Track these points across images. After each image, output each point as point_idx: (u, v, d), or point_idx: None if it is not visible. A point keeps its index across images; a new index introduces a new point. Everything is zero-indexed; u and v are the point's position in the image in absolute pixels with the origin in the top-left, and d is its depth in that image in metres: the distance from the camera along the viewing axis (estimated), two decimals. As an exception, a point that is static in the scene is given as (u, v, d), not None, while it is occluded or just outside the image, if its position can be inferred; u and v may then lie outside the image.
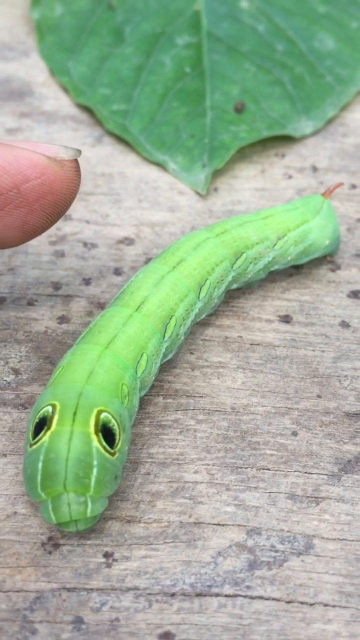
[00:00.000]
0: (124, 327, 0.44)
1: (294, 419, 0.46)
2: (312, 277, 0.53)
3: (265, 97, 0.61)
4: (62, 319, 0.50)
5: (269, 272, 0.52)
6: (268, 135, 0.59)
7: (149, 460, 0.44)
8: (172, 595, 0.40)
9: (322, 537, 0.42)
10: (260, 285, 0.52)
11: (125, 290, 0.46)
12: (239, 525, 0.42)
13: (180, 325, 0.46)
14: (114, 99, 0.61)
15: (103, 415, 0.40)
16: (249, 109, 0.60)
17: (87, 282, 0.52)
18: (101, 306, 0.51)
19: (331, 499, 0.43)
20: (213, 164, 0.57)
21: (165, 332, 0.45)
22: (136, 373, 0.43)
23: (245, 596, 0.40)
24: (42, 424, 0.40)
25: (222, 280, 0.48)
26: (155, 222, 0.55)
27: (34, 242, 0.54)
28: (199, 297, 0.47)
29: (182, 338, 0.47)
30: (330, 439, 0.46)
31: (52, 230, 0.55)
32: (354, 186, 0.58)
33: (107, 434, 0.40)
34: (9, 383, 0.47)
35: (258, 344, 0.50)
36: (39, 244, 0.54)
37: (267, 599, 0.40)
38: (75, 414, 0.40)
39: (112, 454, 0.40)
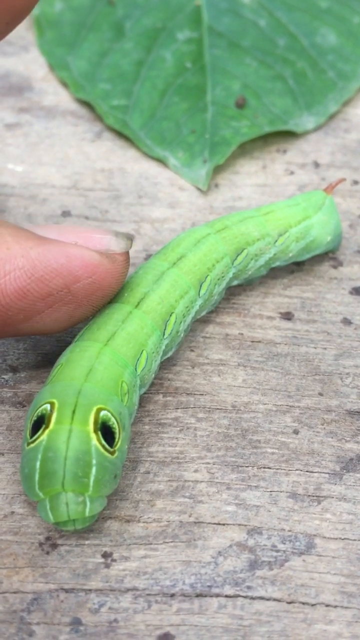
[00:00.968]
0: (124, 324, 0.43)
1: (296, 417, 0.46)
2: (314, 274, 0.53)
3: (267, 93, 0.60)
4: (61, 316, 0.50)
5: (270, 269, 0.51)
6: (269, 131, 0.58)
7: (148, 459, 0.44)
8: (172, 595, 0.40)
9: (324, 536, 0.42)
10: (261, 281, 0.52)
11: (124, 287, 0.45)
12: (239, 524, 0.42)
13: (181, 322, 0.46)
14: (114, 94, 0.60)
15: (102, 413, 0.40)
16: (250, 105, 0.60)
17: (86, 278, 0.52)
18: (100, 303, 0.50)
19: (333, 497, 0.43)
20: (214, 160, 0.57)
21: (165, 329, 0.45)
22: (136, 370, 0.43)
23: (245, 597, 0.40)
24: (40, 422, 0.40)
25: (223, 276, 0.48)
26: (155, 218, 0.55)
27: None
28: (199, 294, 0.47)
29: (182, 335, 0.46)
30: (332, 437, 0.45)
31: (51, 226, 0.54)
32: (356, 182, 0.57)
33: (106, 432, 0.39)
34: (6, 381, 0.47)
35: (259, 341, 0.49)
36: (38, 240, 0.53)
37: (268, 600, 0.40)
38: (74, 412, 0.39)
39: (112, 453, 0.39)
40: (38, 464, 0.39)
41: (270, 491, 0.43)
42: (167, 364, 0.48)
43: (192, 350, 0.49)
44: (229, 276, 0.48)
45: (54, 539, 0.41)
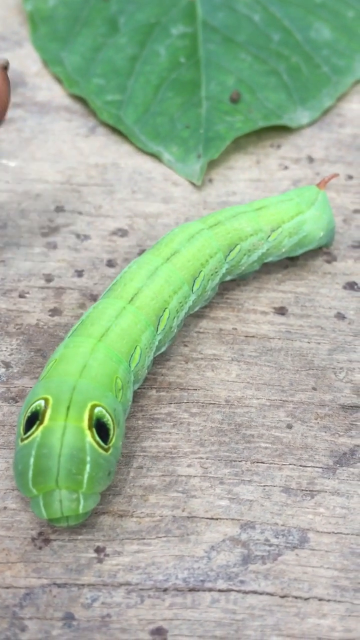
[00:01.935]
0: (117, 319, 0.43)
1: (289, 412, 0.46)
2: (308, 269, 0.52)
3: (261, 87, 0.60)
4: (54, 312, 0.50)
5: (263, 264, 0.51)
6: (264, 126, 0.58)
7: (141, 453, 0.44)
8: (165, 590, 0.40)
9: (317, 530, 0.42)
10: (255, 276, 0.52)
11: (118, 282, 0.45)
12: (232, 519, 0.42)
13: (174, 318, 0.45)
14: (108, 89, 0.60)
15: (97, 409, 0.40)
16: (245, 99, 0.59)
17: (79, 274, 0.51)
18: (94, 298, 0.50)
19: (326, 492, 0.43)
20: (208, 155, 0.57)
21: (158, 324, 0.45)
22: (130, 366, 0.43)
23: (238, 591, 0.40)
24: (34, 418, 0.39)
25: (216, 272, 0.48)
26: (149, 213, 0.55)
27: (25, 233, 0.53)
28: (192, 290, 0.46)
29: (176, 330, 0.46)
30: (326, 432, 0.45)
31: (44, 222, 0.54)
32: (350, 177, 0.57)
33: (101, 429, 0.39)
34: None
35: (253, 336, 0.49)
36: (31, 235, 0.53)
37: (261, 594, 0.40)
38: (68, 408, 0.39)
39: (106, 450, 0.39)
40: (32, 460, 0.38)
41: (264, 486, 0.43)
42: (160, 359, 0.48)
43: (185, 346, 0.48)
44: (222, 272, 0.48)
45: (46, 534, 0.41)
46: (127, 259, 0.52)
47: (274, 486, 0.43)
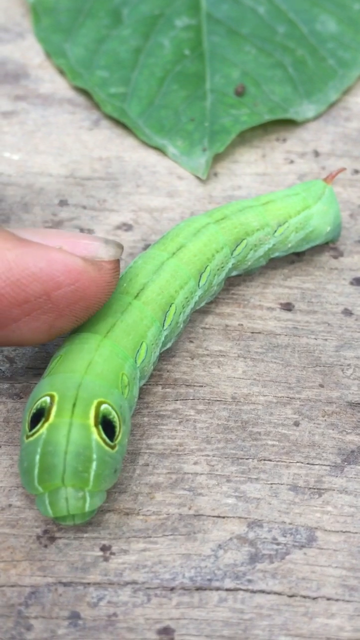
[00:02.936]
0: (123, 315, 0.43)
1: (296, 409, 0.45)
2: (314, 264, 0.52)
3: (267, 80, 0.60)
4: (59, 307, 0.49)
5: (269, 259, 0.51)
6: (270, 119, 0.58)
7: (147, 451, 0.43)
8: (172, 589, 0.39)
9: (325, 529, 0.41)
10: (261, 272, 0.51)
11: (123, 277, 0.45)
12: (239, 517, 0.41)
13: (180, 313, 0.45)
14: (111, 81, 0.60)
15: (103, 406, 0.39)
16: (250, 92, 0.59)
17: (84, 268, 0.51)
18: (98, 293, 0.50)
19: (334, 490, 0.42)
20: (214, 148, 0.56)
21: (164, 320, 0.44)
22: (136, 362, 0.42)
23: (246, 590, 0.39)
24: (39, 415, 0.39)
25: (222, 267, 0.47)
26: (153, 207, 0.54)
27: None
28: (199, 285, 0.46)
29: (182, 326, 0.46)
30: (333, 429, 0.45)
31: (48, 216, 0.53)
32: (356, 171, 0.57)
33: (107, 426, 0.39)
34: (3, 372, 0.46)
35: (259, 332, 0.49)
36: (35, 229, 0.53)
37: (268, 593, 0.39)
38: (74, 405, 0.39)
39: (112, 447, 0.39)
40: (37, 457, 0.38)
41: (271, 484, 0.43)
42: (166, 355, 0.47)
43: (191, 342, 0.48)
44: (229, 267, 0.48)
45: (51, 532, 0.41)
46: (132, 253, 0.52)
47: (282, 484, 0.43)
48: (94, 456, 0.38)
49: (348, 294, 0.51)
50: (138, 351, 0.42)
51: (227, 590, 0.39)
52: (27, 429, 0.39)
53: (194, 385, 0.46)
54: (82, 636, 0.38)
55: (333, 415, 0.45)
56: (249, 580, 0.40)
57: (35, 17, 0.63)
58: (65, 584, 0.39)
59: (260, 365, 0.47)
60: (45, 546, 0.40)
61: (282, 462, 0.43)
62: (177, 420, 0.45)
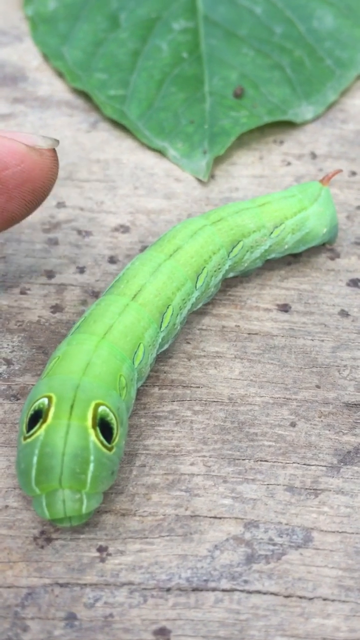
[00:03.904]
0: (120, 316, 0.43)
1: (293, 410, 0.45)
2: (311, 266, 0.52)
3: (265, 82, 0.60)
4: (56, 308, 0.49)
5: (266, 261, 0.51)
6: (269, 121, 0.58)
7: (144, 452, 0.43)
8: (168, 590, 0.39)
9: (321, 529, 0.41)
10: (258, 273, 0.51)
11: (120, 279, 0.45)
12: (236, 518, 0.41)
13: (177, 315, 0.45)
14: (110, 84, 0.60)
15: (101, 408, 0.39)
16: (249, 94, 0.59)
17: (81, 270, 0.51)
18: (95, 295, 0.50)
19: (330, 491, 0.43)
20: (214, 150, 0.56)
21: (162, 321, 0.44)
22: (133, 364, 0.42)
23: (242, 591, 0.39)
24: (37, 417, 0.39)
25: (219, 268, 0.47)
26: (151, 209, 0.54)
27: (27, 229, 0.53)
28: (196, 286, 0.46)
29: (179, 327, 0.46)
30: (330, 430, 0.45)
31: (45, 217, 0.54)
32: (353, 173, 0.57)
33: (104, 428, 0.39)
34: (0, 374, 0.46)
35: (256, 334, 0.49)
36: (32, 231, 0.53)
37: (265, 594, 0.39)
38: (72, 407, 0.39)
39: (110, 449, 0.39)
40: (35, 459, 0.38)
41: (267, 484, 0.43)
42: (163, 357, 0.47)
43: (188, 343, 0.48)
44: (225, 268, 0.48)
45: (48, 533, 0.41)
46: (129, 255, 0.52)
47: (278, 485, 0.43)
48: (92, 458, 0.38)
49: (344, 295, 0.51)
50: (135, 353, 0.43)
51: (223, 590, 0.39)
52: (24, 430, 0.39)
53: (191, 387, 0.46)
54: (78, 637, 0.38)
55: (329, 416, 0.45)
56: (245, 581, 0.40)
57: (33, 26, 0.63)
58: (61, 585, 0.39)
59: (256, 366, 0.47)
60: (42, 547, 0.40)
61: (278, 462, 0.43)
62: (174, 421, 0.45)
